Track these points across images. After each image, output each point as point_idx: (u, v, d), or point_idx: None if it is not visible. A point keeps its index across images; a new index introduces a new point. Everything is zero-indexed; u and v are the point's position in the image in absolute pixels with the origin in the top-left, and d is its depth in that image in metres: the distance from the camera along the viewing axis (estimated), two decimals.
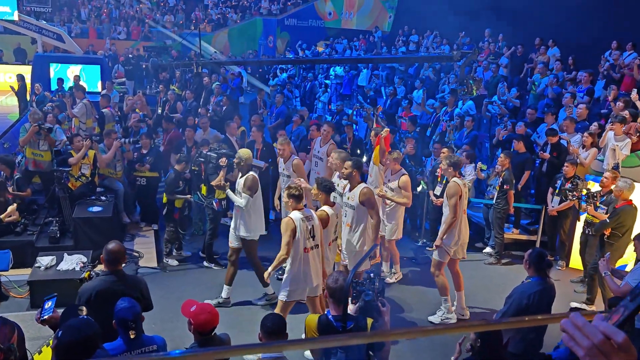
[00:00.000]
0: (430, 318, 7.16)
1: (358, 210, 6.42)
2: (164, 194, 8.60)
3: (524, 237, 9.68)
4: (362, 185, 6.42)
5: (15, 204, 8.36)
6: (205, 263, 8.59)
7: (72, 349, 3.16)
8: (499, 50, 16.75)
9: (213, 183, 8.12)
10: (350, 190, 6.49)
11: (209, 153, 8.42)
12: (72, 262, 7.35)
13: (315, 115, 16.65)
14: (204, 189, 8.59)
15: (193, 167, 8.78)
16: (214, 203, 8.42)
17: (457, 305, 7.19)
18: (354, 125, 12.64)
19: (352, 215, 6.45)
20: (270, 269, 5.81)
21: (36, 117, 9.73)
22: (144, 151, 9.61)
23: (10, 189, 8.54)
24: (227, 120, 11.36)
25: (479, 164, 9.80)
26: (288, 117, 13.26)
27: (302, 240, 5.81)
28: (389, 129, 8.14)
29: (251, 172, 7.07)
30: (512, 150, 9.74)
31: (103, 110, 12.15)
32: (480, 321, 3.74)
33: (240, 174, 7.08)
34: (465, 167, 9.37)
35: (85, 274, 4.99)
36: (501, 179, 8.95)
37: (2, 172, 8.84)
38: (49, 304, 4.21)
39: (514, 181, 9.04)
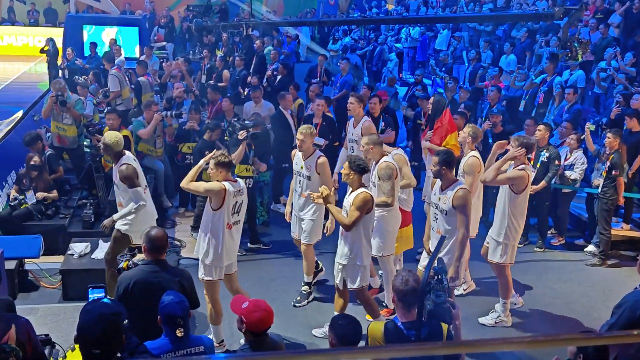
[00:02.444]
0: (482, 320, 7.18)
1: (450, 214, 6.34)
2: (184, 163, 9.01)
3: (636, 233, 9.37)
4: (458, 185, 6.28)
5: (55, 192, 8.84)
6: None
7: (89, 331, 3.26)
8: (609, 6, 16.09)
9: (232, 157, 8.33)
10: (441, 189, 6.35)
11: (235, 123, 8.69)
12: (107, 250, 7.59)
13: (384, 86, 16.56)
14: None
15: (225, 137, 9.12)
16: None
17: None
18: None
19: (443, 219, 6.36)
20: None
21: (57, 86, 10.10)
22: (194, 126, 9.83)
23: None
24: (281, 91, 11.45)
25: (587, 125, 9.53)
26: (355, 88, 13.24)
27: (226, 214, 6.09)
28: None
29: (124, 162, 6.80)
30: (624, 128, 9.40)
31: (139, 78, 12.50)
32: (583, 334, 3.66)
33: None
34: (569, 152, 9.15)
35: (124, 264, 5.18)
36: (609, 163, 8.67)
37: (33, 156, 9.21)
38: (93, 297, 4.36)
39: (625, 166, 8.73)
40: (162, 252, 4.89)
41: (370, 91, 12.19)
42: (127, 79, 12.43)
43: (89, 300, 4.29)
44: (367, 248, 6.29)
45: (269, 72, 13.96)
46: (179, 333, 3.99)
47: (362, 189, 6.15)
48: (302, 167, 7.36)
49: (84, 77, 13.00)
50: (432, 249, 6.38)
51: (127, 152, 7.05)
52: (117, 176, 6.83)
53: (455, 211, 6.16)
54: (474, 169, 7.26)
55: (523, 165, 6.87)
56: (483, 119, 11.15)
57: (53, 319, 6.80)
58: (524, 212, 6.98)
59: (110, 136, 6.94)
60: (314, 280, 7.71)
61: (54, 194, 8.86)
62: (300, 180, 7.41)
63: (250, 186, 8.83)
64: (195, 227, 9.30)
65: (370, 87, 12.44)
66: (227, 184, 6.10)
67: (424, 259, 6.75)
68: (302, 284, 7.59)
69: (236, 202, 6.19)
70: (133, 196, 6.71)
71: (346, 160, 6.31)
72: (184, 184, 6.21)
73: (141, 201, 6.72)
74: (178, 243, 9.00)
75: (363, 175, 6.27)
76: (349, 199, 6.19)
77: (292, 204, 7.59)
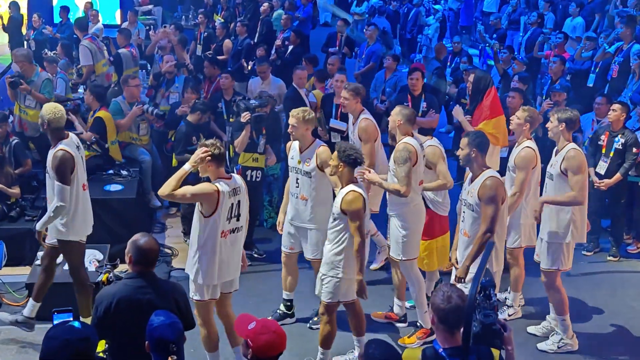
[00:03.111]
0: (542, 346, 7.18)
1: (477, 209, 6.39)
2: (173, 154, 9.10)
3: None
4: (487, 173, 6.35)
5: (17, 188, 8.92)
6: None
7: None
8: None
9: (235, 144, 8.46)
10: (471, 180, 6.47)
11: (240, 102, 8.71)
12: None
13: (420, 57, 16.53)
14: (231, 149, 8.92)
15: (230, 119, 9.19)
16: (235, 171, 8.63)
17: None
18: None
19: (470, 217, 6.43)
20: None
21: (18, 55, 10.20)
22: (187, 111, 9.79)
23: None
24: (293, 64, 11.46)
25: None
26: (382, 60, 13.23)
27: (221, 221, 6.06)
28: None
29: (61, 147, 6.77)
30: None
31: (120, 50, 12.58)
32: None
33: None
34: None
35: (103, 277, 5.22)
36: None
37: None
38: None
39: None
40: (152, 265, 4.91)
41: (396, 62, 12.19)
42: (103, 50, 12.52)
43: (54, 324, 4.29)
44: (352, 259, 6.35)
45: (278, 42, 13.97)
46: None
47: (351, 186, 6.24)
48: (299, 162, 7.16)
49: (54, 52, 13.07)
50: (459, 258, 6.52)
51: (72, 134, 6.97)
52: (49, 162, 6.80)
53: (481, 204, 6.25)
54: (528, 163, 7.15)
55: (529, 142, 7.14)
56: (543, 97, 11.09)
57: (19, 342, 6.88)
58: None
59: (49, 109, 6.84)
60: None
61: (16, 190, 8.86)
62: (297, 179, 7.23)
63: (258, 179, 8.90)
64: (187, 232, 9.36)
65: (397, 57, 12.42)
66: (220, 184, 6.06)
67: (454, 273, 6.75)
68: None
69: (232, 204, 6.15)
70: (57, 193, 6.67)
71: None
72: (165, 191, 6.04)
73: (62, 202, 6.65)
74: (169, 251, 9.07)
75: (355, 168, 6.36)
76: (337, 198, 6.30)
77: (286, 211, 7.43)
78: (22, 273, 7.92)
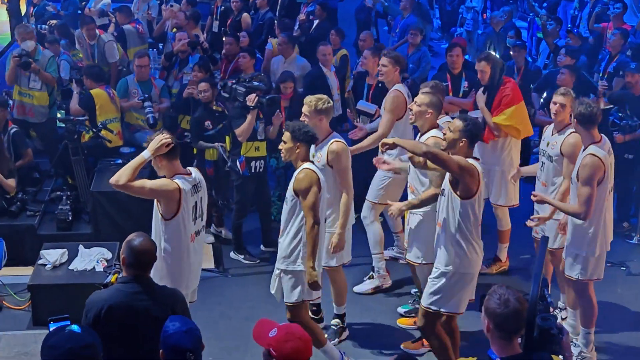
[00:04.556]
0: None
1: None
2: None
3: None
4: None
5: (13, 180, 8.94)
6: (232, 254, 9.02)
7: None
8: None
9: (237, 132, 8.41)
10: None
11: (235, 86, 8.65)
12: (90, 258, 7.73)
13: (461, 31, 16.42)
14: (227, 140, 8.91)
15: (215, 107, 9.16)
16: (238, 164, 8.66)
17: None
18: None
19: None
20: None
21: (22, 33, 10.36)
22: (195, 93, 9.77)
23: None
24: (319, 41, 11.44)
25: None
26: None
27: (187, 222, 5.99)
28: None
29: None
30: None
31: (125, 26, 12.64)
32: None
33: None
34: None
35: (112, 278, 5.25)
36: None
37: None
38: None
39: None
40: (148, 268, 4.93)
41: (422, 36, 12.09)
42: (144, 35, 12.75)
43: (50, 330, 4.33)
44: (320, 247, 6.40)
45: (302, 16, 13.92)
46: None
47: (306, 164, 6.32)
48: (312, 156, 6.96)
49: (43, 30, 13.09)
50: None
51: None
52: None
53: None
54: (578, 151, 6.93)
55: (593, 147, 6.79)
56: (601, 75, 10.97)
57: (20, 349, 6.93)
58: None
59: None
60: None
61: (11, 183, 8.89)
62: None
63: (261, 170, 8.89)
64: (207, 225, 9.42)
65: (421, 30, 12.30)
66: (179, 181, 5.96)
67: None
68: (333, 317, 7.54)
69: (196, 202, 6.12)
70: None
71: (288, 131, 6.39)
72: (119, 180, 5.85)
73: None
74: None
75: (311, 145, 6.41)
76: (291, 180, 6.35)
77: None
78: (23, 274, 7.97)
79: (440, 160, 6.06)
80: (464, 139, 6.15)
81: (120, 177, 5.86)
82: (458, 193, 6.15)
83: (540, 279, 3.96)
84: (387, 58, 8.17)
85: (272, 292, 6.64)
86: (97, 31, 11.65)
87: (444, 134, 6.33)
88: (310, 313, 7.49)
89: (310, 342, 3.99)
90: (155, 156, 5.92)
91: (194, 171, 6.24)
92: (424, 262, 6.95)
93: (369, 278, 8.28)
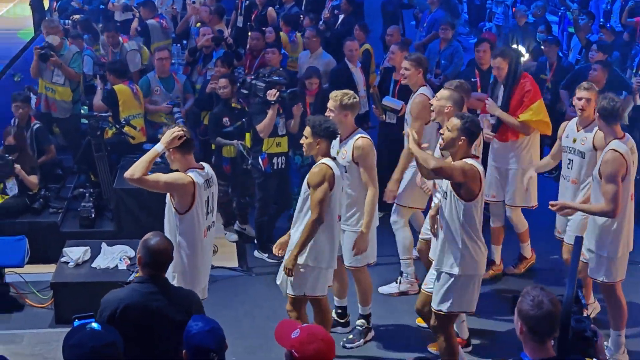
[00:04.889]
0: None
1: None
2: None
3: None
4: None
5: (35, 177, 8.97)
6: (255, 253, 9.05)
7: None
8: None
9: (259, 128, 8.42)
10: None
11: (254, 82, 8.66)
12: (113, 256, 7.80)
13: (490, 26, 16.35)
14: (247, 137, 8.90)
15: (233, 104, 9.19)
16: (260, 161, 8.65)
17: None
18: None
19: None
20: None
21: (48, 27, 10.43)
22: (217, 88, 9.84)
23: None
24: (345, 36, 11.43)
25: None
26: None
27: (200, 216, 6.06)
28: None
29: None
30: None
31: (149, 21, 12.71)
32: None
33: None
34: None
35: (135, 276, 5.29)
36: None
37: (15, 119, 9.52)
38: None
39: None
40: (164, 269, 4.96)
41: (453, 31, 12.02)
42: (169, 30, 12.81)
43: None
44: (328, 245, 6.39)
45: (326, 13, 13.88)
46: None
47: (323, 159, 6.33)
48: (337, 153, 7.00)
49: (66, 25, 13.17)
50: None
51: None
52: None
53: None
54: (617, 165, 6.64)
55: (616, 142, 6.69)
56: (633, 71, 10.88)
57: (42, 348, 6.99)
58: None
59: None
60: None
61: (34, 179, 8.93)
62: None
63: (283, 166, 8.90)
64: (227, 223, 9.53)
65: (453, 25, 12.25)
66: (193, 174, 6.03)
67: None
68: (358, 317, 7.49)
69: (207, 197, 6.18)
70: None
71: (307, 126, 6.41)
72: (133, 174, 5.92)
73: None
74: None
75: (332, 141, 6.40)
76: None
77: None
78: (46, 271, 8.03)
79: (446, 174, 6.06)
80: (463, 137, 6.07)
81: (135, 171, 5.93)
82: (461, 196, 6.11)
83: (575, 280, 3.91)
84: (408, 61, 8.05)
85: (278, 282, 6.69)
86: (121, 39, 11.67)
87: (442, 134, 6.27)
88: (335, 316, 7.51)
89: (333, 343, 3.98)
90: (169, 149, 5.99)
91: (207, 166, 6.32)
92: None
93: (397, 282, 8.26)
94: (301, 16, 13.55)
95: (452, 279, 6.23)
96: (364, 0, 16.71)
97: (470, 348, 7.17)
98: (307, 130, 6.39)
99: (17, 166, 8.65)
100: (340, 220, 6.59)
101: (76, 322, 4.36)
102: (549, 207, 6.94)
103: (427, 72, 8.30)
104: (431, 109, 7.04)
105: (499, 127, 8.23)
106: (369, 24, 12.78)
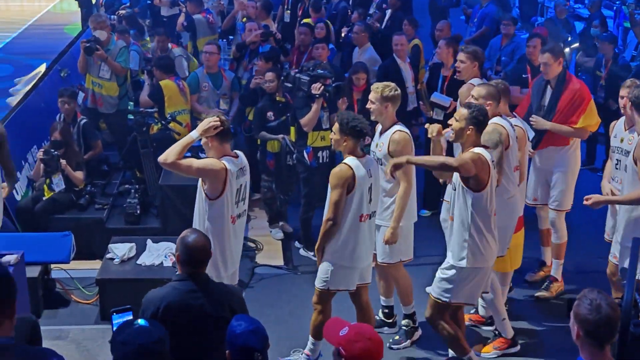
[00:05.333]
0: None
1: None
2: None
3: None
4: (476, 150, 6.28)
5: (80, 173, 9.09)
6: (301, 251, 9.11)
7: None
8: None
9: (303, 122, 8.43)
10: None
11: (299, 75, 8.71)
12: (158, 253, 7.90)
13: (542, 21, 16.20)
14: (292, 131, 8.93)
15: (278, 98, 9.22)
16: (306, 155, 8.67)
17: None
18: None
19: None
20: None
21: (95, 22, 10.59)
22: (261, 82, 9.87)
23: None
24: (393, 31, 11.41)
25: None
26: (498, 24, 13.05)
27: (230, 203, 6.19)
28: None
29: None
30: None
31: (195, 16, 12.78)
32: None
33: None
34: None
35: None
36: None
37: (61, 115, 9.66)
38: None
39: None
40: (202, 266, 4.99)
41: (514, 27, 11.93)
42: (215, 24, 12.95)
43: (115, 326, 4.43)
44: (351, 243, 6.43)
45: (374, 13, 13.84)
46: None
47: (347, 159, 6.38)
48: (376, 145, 7.11)
49: (113, 20, 13.32)
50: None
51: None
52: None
53: None
54: None
55: None
56: None
57: (88, 344, 7.06)
58: None
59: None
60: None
61: (79, 175, 9.04)
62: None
63: (327, 160, 8.92)
64: (273, 220, 9.56)
65: (515, 20, 12.21)
66: (226, 161, 6.18)
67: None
68: (402, 317, 7.47)
69: (241, 185, 6.31)
70: None
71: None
72: (167, 158, 6.13)
73: None
74: (253, 245, 9.23)
75: (360, 140, 6.40)
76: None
77: None
78: (92, 267, 8.15)
79: (454, 168, 6.11)
80: (471, 127, 6.13)
81: (168, 155, 6.11)
82: (470, 186, 6.14)
83: (633, 283, 3.86)
84: (464, 53, 8.00)
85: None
86: (170, 45, 11.74)
87: (450, 125, 6.32)
88: (382, 316, 7.51)
89: (380, 343, 3.99)
90: (207, 137, 6.14)
91: (241, 155, 6.45)
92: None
93: None
94: (349, 11, 13.59)
95: (456, 271, 6.29)
96: None
97: (518, 348, 7.13)
98: (335, 127, 6.47)
99: (63, 162, 8.76)
100: (370, 218, 6.58)
101: (114, 316, 4.45)
102: (584, 202, 6.81)
103: (482, 66, 8.20)
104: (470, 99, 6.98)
105: (544, 135, 7.98)
106: (418, 20, 12.77)
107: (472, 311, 7.67)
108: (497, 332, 7.19)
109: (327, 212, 6.42)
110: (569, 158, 8.01)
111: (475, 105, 6.36)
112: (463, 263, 6.24)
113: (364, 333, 3.95)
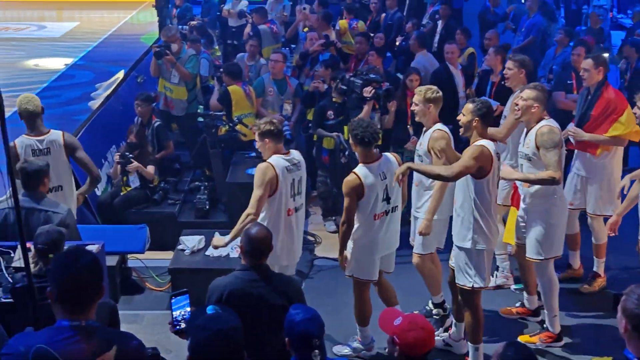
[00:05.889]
0: None
1: None
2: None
3: None
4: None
5: (151, 167, 9.21)
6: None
7: (207, 353, 3.42)
8: None
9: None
10: None
11: (352, 79, 8.74)
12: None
13: (586, 29, 15.92)
14: (345, 130, 8.90)
15: (334, 99, 9.21)
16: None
17: None
18: None
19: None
20: (230, 235, 6.66)
21: (166, 34, 10.74)
22: (319, 86, 9.88)
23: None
24: (446, 39, 11.37)
25: None
26: (544, 34, 12.89)
27: (285, 197, 6.40)
28: None
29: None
30: None
31: (260, 26, 12.88)
32: None
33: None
34: None
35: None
36: None
37: (138, 118, 9.81)
38: (180, 312, 4.49)
39: None
40: (264, 256, 5.04)
41: (570, 39, 11.77)
42: (279, 34, 13.05)
43: (175, 310, 4.46)
44: (366, 238, 6.50)
45: (426, 25, 13.79)
46: (315, 357, 4.10)
47: (358, 167, 6.43)
48: (420, 144, 7.14)
49: (184, 29, 13.44)
50: None
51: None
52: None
53: None
54: None
55: None
56: None
57: (161, 329, 7.09)
58: None
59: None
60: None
61: (150, 170, 9.15)
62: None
63: None
64: (327, 214, 9.60)
65: (569, 32, 12.04)
66: (274, 159, 6.39)
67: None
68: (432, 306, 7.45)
69: (294, 179, 6.45)
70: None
71: None
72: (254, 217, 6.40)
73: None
74: (312, 239, 9.27)
75: (369, 147, 6.44)
76: None
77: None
78: (164, 258, 8.26)
79: (456, 174, 6.16)
80: (477, 119, 6.22)
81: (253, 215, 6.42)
82: (473, 174, 6.19)
83: None
84: (512, 61, 7.89)
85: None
86: (257, 56, 11.76)
87: (459, 120, 6.40)
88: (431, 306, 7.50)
89: (433, 332, 4.00)
90: (264, 138, 6.41)
91: (295, 153, 6.65)
92: (544, 257, 6.83)
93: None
94: (404, 21, 13.57)
95: (467, 254, 6.32)
96: (462, 6, 16.58)
97: (562, 343, 7.03)
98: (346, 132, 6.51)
99: (135, 164, 8.93)
100: (386, 214, 6.59)
101: (173, 300, 4.50)
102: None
103: (529, 73, 8.08)
104: (516, 107, 6.88)
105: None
106: (468, 25, 12.75)
107: (517, 304, 7.60)
108: (544, 325, 7.10)
109: (342, 217, 6.51)
110: (604, 165, 7.76)
111: (479, 99, 6.50)
112: (469, 244, 6.31)
113: (417, 322, 3.97)
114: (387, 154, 6.77)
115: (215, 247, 7.15)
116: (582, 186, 7.85)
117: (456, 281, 6.49)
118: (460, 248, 6.38)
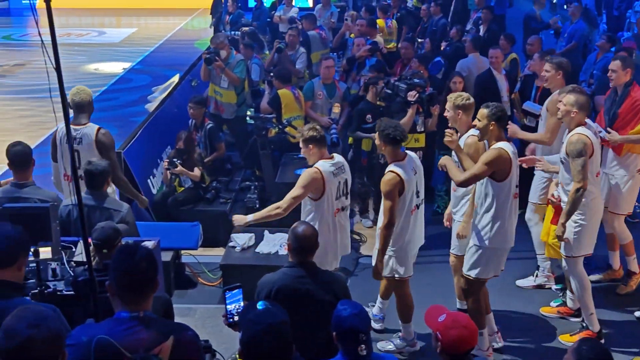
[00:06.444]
0: None
1: None
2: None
3: None
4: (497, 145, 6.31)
5: (197, 169, 9.26)
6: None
7: (258, 346, 3.45)
8: None
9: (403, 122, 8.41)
10: None
11: (397, 83, 8.73)
12: (274, 243, 8.03)
13: (629, 35, 15.68)
14: None
15: (378, 103, 9.24)
16: None
17: None
18: None
19: None
20: (251, 216, 6.85)
21: (215, 41, 10.80)
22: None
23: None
24: (490, 44, 11.29)
25: None
26: (586, 39, 12.74)
27: (331, 199, 6.45)
28: None
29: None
30: None
31: (310, 32, 12.96)
32: None
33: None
34: None
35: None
36: None
37: (192, 120, 9.92)
38: (234, 306, 4.57)
39: None
40: (310, 254, 5.06)
41: (611, 44, 11.61)
42: (327, 40, 13.14)
43: (230, 304, 4.53)
44: (404, 236, 6.53)
45: (470, 30, 13.71)
46: (361, 351, 4.10)
47: (392, 166, 6.37)
48: None
49: (235, 34, 13.55)
50: None
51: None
52: None
53: None
54: None
55: None
56: None
57: (213, 322, 7.21)
58: None
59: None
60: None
61: (196, 173, 9.17)
62: None
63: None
64: (363, 211, 9.69)
65: (611, 38, 11.88)
66: (320, 164, 6.42)
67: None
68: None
69: (339, 182, 6.48)
70: None
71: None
72: (283, 212, 6.65)
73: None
74: (357, 237, 9.25)
75: (397, 145, 6.41)
76: None
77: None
78: (216, 254, 8.37)
79: (463, 181, 6.30)
80: (492, 122, 6.24)
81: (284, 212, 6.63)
82: (495, 178, 6.24)
83: None
84: (549, 63, 7.80)
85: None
86: (297, 46, 11.97)
87: (475, 125, 6.39)
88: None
89: (476, 331, 3.99)
90: (308, 144, 6.49)
91: (338, 157, 6.71)
92: (574, 255, 6.77)
93: (534, 276, 8.07)
94: (448, 27, 13.54)
95: (480, 251, 6.39)
96: (505, 12, 16.45)
97: (602, 341, 6.93)
98: (376, 135, 6.56)
99: (178, 168, 9.00)
100: (417, 208, 6.65)
101: (227, 293, 4.55)
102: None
103: (568, 76, 8.00)
104: (559, 112, 6.79)
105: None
106: (512, 31, 12.67)
107: (559, 303, 7.51)
108: (584, 325, 7.00)
109: (383, 219, 6.40)
110: (629, 163, 7.64)
111: (493, 103, 6.43)
112: (485, 244, 6.37)
113: (460, 321, 3.95)
114: (409, 151, 6.78)
115: (237, 225, 7.15)
116: (605, 184, 7.71)
117: (462, 269, 6.60)
118: (476, 245, 6.45)
